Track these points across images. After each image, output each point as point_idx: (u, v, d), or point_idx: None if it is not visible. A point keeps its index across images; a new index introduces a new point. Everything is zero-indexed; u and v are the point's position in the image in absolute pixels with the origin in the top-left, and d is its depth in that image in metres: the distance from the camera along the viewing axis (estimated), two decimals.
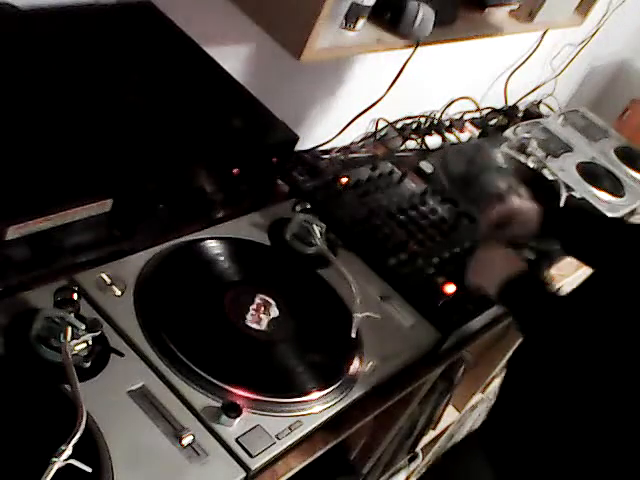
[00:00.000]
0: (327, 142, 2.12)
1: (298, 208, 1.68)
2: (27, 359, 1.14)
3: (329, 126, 2.14)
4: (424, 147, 2.30)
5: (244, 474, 1.17)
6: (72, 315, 1.15)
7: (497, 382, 2.46)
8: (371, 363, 1.43)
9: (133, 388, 1.19)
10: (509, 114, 2.77)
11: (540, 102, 3.03)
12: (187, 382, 1.24)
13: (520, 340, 1.64)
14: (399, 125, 2.33)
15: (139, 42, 1.50)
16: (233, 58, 1.69)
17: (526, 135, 2.48)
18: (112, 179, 1.24)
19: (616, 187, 2.55)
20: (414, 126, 2.36)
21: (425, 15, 1.62)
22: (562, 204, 2.25)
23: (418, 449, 2.32)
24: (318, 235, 1.60)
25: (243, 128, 1.53)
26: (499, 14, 2.01)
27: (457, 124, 2.48)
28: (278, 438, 1.24)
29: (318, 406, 1.33)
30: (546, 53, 2.90)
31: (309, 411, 1.31)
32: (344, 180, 1.85)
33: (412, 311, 1.62)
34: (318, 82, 2.02)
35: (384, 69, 2.01)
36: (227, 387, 1.25)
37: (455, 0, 1.80)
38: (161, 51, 1.52)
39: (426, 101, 2.46)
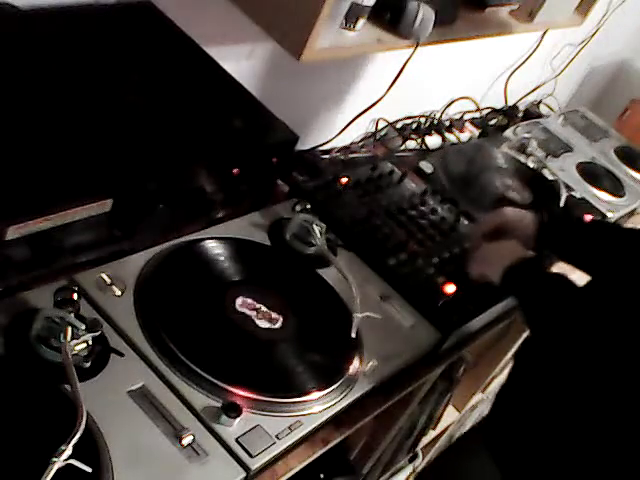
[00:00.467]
0: (327, 142, 2.12)
1: (298, 208, 1.68)
2: (27, 359, 1.14)
3: (329, 126, 2.14)
4: (424, 147, 2.30)
5: (244, 474, 1.17)
6: (72, 315, 1.15)
7: (497, 382, 2.46)
8: (371, 363, 1.43)
9: (133, 388, 1.19)
10: (509, 114, 2.77)
11: (540, 102, 3.03)
12: (187, 382, 1.24)
13: (526, 334, 1.64)
14: (399, 125, 2.33)
15: (139, 42, 1.50)
16: (233, 58, 1.69)
17: (526, 135, 2.48)
18: (112, 179, 1.23)
19: (616, 187, 2.55)
20: (414, 126, 2.37)
21: (425, 15, 1.62)
22: (562, 204, 2.25)
23: (418, 449, 2.32)
24: (318, 235, 1.60)
25: (243, 128, 1.53)
26: (499, 14, 2.01)
27: (457, 124, 2.48)
28: (278, 438, 1.24)
29: (318, 406, 1.33)
30: (546, 53, 2.90)
31: (309, 411, 1.31)
32: (344, 180, 1.85)
33: (412, 311, 1.62)
34: (318, 82, 2.02)
35: (384, 69, 2.01)
36: (227, 387, 1.25)
37: (455, 0, 1.80)
38: (161, 51, 1.52)
39: (426, 101, 2.46)
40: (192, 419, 1.20)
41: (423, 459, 2.40)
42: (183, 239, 1.48)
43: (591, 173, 2.54)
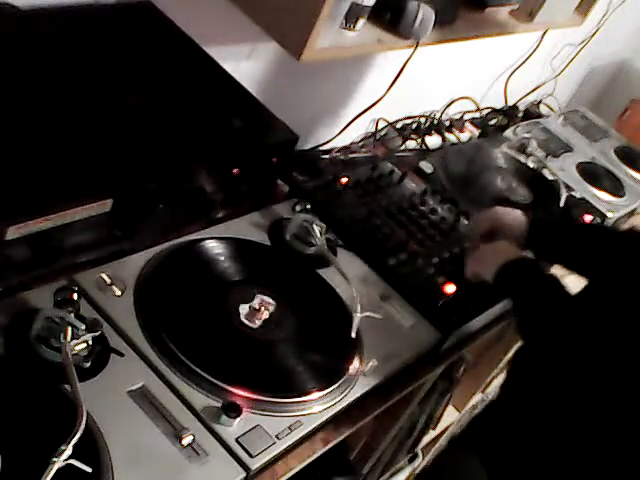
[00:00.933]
0: (327, 142, 2.12)
1: (298, 208, 1.68)
2: (27, 359, 1.14)
3: (329, 126, 2.14)
4: (424, 147, 2.30)
5: (244, 474, 1.17)
6: (72, 315, 1.15)
7: (497, 382, 2.46)
8: (371, 363, 1.43)
9: (133, 388, 1.19)
10: (509, 114, 2.78)
11: (540, 102, 3.03)
12: (187, 382, 1.24)
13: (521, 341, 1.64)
14: (399, 125, 2.33)
15: (139, 42, 1.50)
16: (233, 58, 1.69)
17: (526, 135, 2.48)
18: (112, 179, 1.23)
19: (616, 187, 2.56)
20: (414, 126, 2.36)
21: (425, 15, 1.62)
22: (562, 204, 2.25)
23: (418, 449, 2.32)
24: (318, 235, 1.61)
25: (243, 128, 1.53)
26: (499, 14, 2.01)
27: (457, 124, 2.48)
28: (278, 438, 1.24)
29: (318, 406, 1.33)
30: (546, 53, 2.90)
31: (309, 411, 1.31)
32: (344, 180, 1.85)
33: (412, 311, 1.62)
34: (318, 82, 2.02)
35: (384, 69, 2.01)
36: (227, 387, 1.25)
37: (455, 0, 1.80)
38: (161, 51, 1.52)
39: (426, 101, 2.46)
40: (192, 419, 1.20)
41: (423, 459, 2.40)
42: (183, 239, 1.48)
43: (591, 173, 2.54)
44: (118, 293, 1.31)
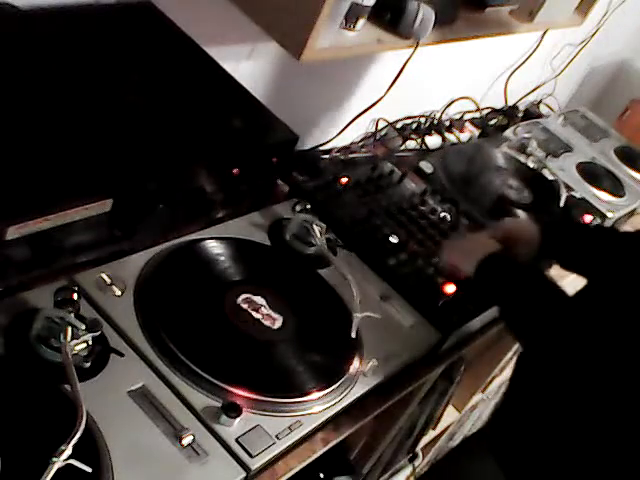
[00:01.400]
0: (327, 142, 2.12)
1: (298, 208, 1.68)
2: (27, 359, 1.14)
3: (329, 126, 2.14)
4: (424, 147, 2.30)
5: (244, 474, 1.17)
6: (72, 315, 1.15)
7: (497, 382, 2.46)
8: (371, 363, 1.43)
9: (133, 388, 1.19)
10: (509, 114, 2.78)
11: (540, 102, 3.03)
12: (187, 382, 1.24)
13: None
14: (399, 125, 2.33)
15: (139, 42, 1.50)
16: (233, 58, 1.69)
17: (526, 135, 2.48)
18: (112, 179, 1.23)
19: (616, 187, 2.56)
20: (414, 126, 2.36)
21: (425, 15, 1.62)
22: (562, 204, 2.24)
23: (418, 449, 2.32)
24: (318, 235, 1.60)
25: (243, 128, 1.53)
26: (499, 14, 2.01)
27: (457, 124, 2.48)
28: (278, 438, 1.24)
29: (318, 406, 1.33)
30: (546, 53, 2.90)
31: (309, 411, 1.31)
32: (344, 180, 1.85)
33: (412, 311, 1.62)
34: (318, 82, 2.02)
35: (384, 69, 2.01)
36: (227, 387, 1.25)
37: (455, 0, 1.80)
38: (161, 51, 1.52)
39: (426, 101, 2.46)
40: (192, 419, 1.20)
41: (423, 459, 2.39)
42: (183, 239, 1.48)
43: (591, 173, 2.54)
44: (118, 293, 1.31)
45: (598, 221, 2.30)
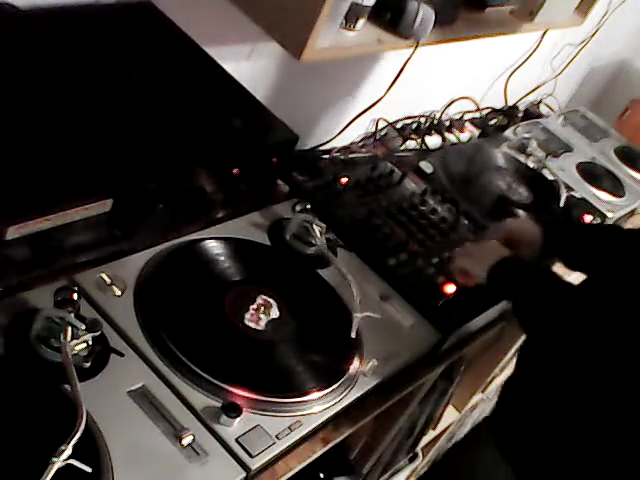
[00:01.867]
0: (327, 142, 2.12)
1: (298, 208, 1.68)
2: (27, 359, 1.14)
3: (329, 126, 2.14)
4: (424, 147, 2.30)
5: (244, 474, 1.17)
6: (72, 315, 1.15)
7: (497, 382, 2.46)
8: (371, 363, 1.43)
9: (133, 388, 1.19)
10: (509, 114, 2.78)
11: (540, 102, 3.03)
12: (187, 382, 1.24)
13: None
14: (399, 125, 2.33)
15: (139, 42, 1.50)
16: (233, 58, 1.69)
17: (526, 135, 2.48)
18: (112, 179, 1.24)
19: (616, 187, 2.56)
20: (414, 126, 2.37)
21: (425, 15, 1.62)
22: (562, 204, 2.24)
23: (418, 449, 2.32)
24: (318, 235, 1.61)
25: (243, 128, 1.53)
26: (499, 14, 2.01)
27: (457, 124, 2.48)
28: (278, 438, 1.24)
29: (318, 406, 1.33)
30: (546, 53, 2.90)
31: (309, 411, 1.31)
32: (344, 180, 1.85)
33: (412, 311, 1.62)
34: (318, 82, 2.02)
35: (384, 69, 2.01)
36: (227, 387, 1.25)
37: (455, 0, 1.80)
38: (161, 51, 1.52)
39: (426, 101, 2.46)
40: (192, 419, 1.20)
41: (423, 459, 2.40)
42: (183, 239, 1.48)
43: (591, 173, 2.54)
44: (118, 293, 1.31)
45: (598, 221, 2.30)
